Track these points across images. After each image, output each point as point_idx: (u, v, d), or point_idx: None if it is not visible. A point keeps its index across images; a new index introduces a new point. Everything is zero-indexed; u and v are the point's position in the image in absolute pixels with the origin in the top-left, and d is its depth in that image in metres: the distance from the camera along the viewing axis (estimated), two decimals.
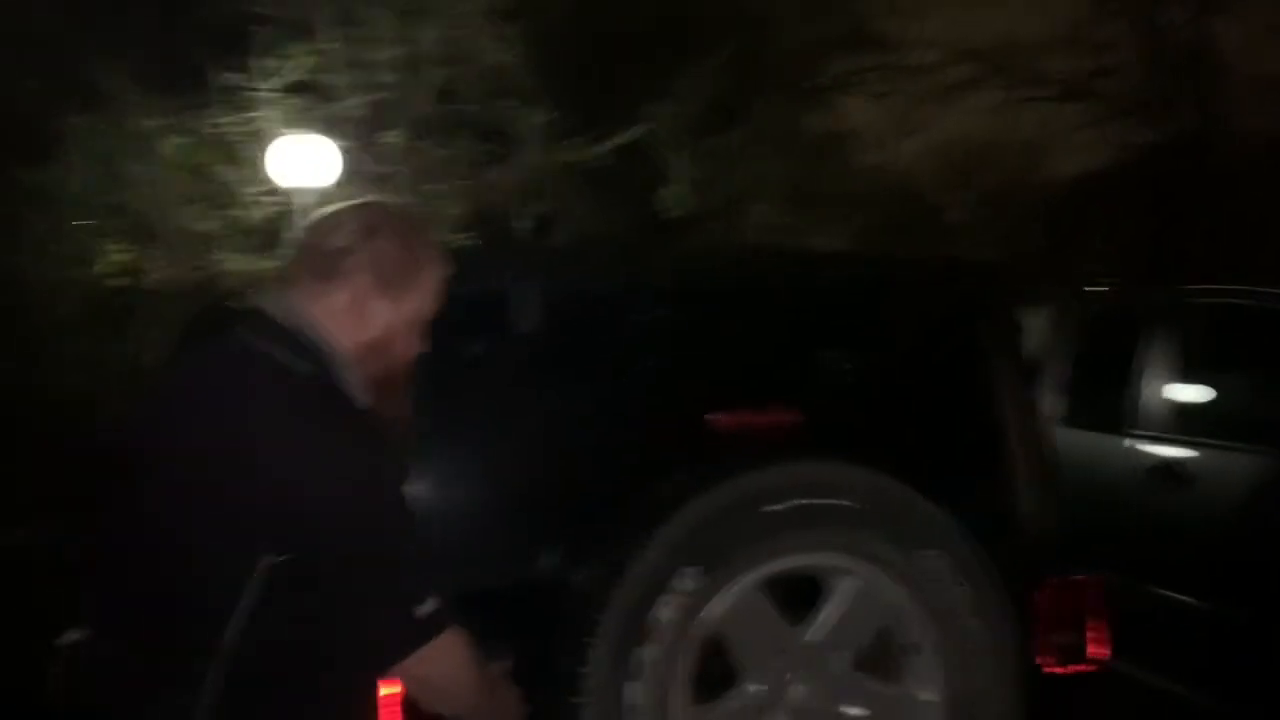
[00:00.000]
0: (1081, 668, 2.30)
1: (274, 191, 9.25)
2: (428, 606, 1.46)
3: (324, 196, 9.52)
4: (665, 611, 1.77)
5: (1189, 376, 4.45)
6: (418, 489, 2.01)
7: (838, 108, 13.18)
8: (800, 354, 2.41)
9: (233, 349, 1.53)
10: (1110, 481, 4.46)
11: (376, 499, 1.45)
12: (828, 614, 1.93)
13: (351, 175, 9.41)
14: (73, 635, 1.88)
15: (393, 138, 9.03)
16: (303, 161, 8.52)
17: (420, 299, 1.60)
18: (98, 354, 8.71)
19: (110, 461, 1.61)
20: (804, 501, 1.86)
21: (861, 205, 9.81)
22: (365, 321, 1.55)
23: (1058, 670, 2.26)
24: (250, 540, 1.39)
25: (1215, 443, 4.15)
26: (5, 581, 4.13)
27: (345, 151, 8.86)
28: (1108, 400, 4.68)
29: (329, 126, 8.75)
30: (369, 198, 1.71)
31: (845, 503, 1.89)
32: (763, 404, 2.28)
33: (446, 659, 1.50)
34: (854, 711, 1.94)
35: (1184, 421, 4.35)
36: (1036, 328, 5.09)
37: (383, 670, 1.50)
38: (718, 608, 1.84)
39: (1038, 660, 2.17)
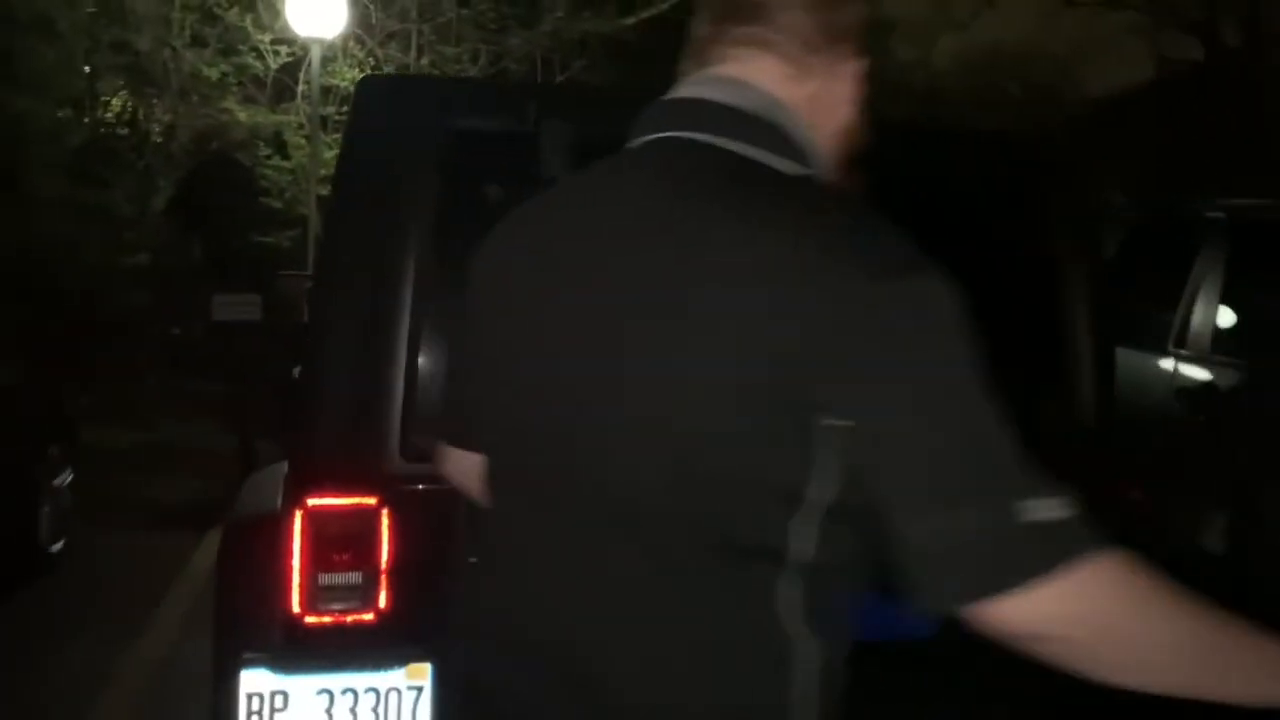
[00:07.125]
0: None
1: (286, 42, 8.86)
2: (1051, 511, 0.86)
3: (334, 50, 9.13)
4: None
5: (1237, 296, 4.29)
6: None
7: None
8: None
9: (677, 150, 1.03)
10: (1146, 399, 4.36)
11: (965, 359, 0.91)
12: None
13: (368, 29, 9.00)
14: None
15: None
16: (316, 12, 8.13)
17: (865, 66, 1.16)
18: (92, 201, 8.45)
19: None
20: None
21: (891, 100, 9.44)
22: (836, 108, 1.11)
23: None
24: (794, 398, 0.90)
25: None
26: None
27: (361, 4, 8.46)
28: (1152, 318, 4.54)
29: None
30: None
31: None
32: None
33: (1107, 596, 0.87)
34: None
35: (1229, 341, 4.21)
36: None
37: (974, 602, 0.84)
38: None
39: None
